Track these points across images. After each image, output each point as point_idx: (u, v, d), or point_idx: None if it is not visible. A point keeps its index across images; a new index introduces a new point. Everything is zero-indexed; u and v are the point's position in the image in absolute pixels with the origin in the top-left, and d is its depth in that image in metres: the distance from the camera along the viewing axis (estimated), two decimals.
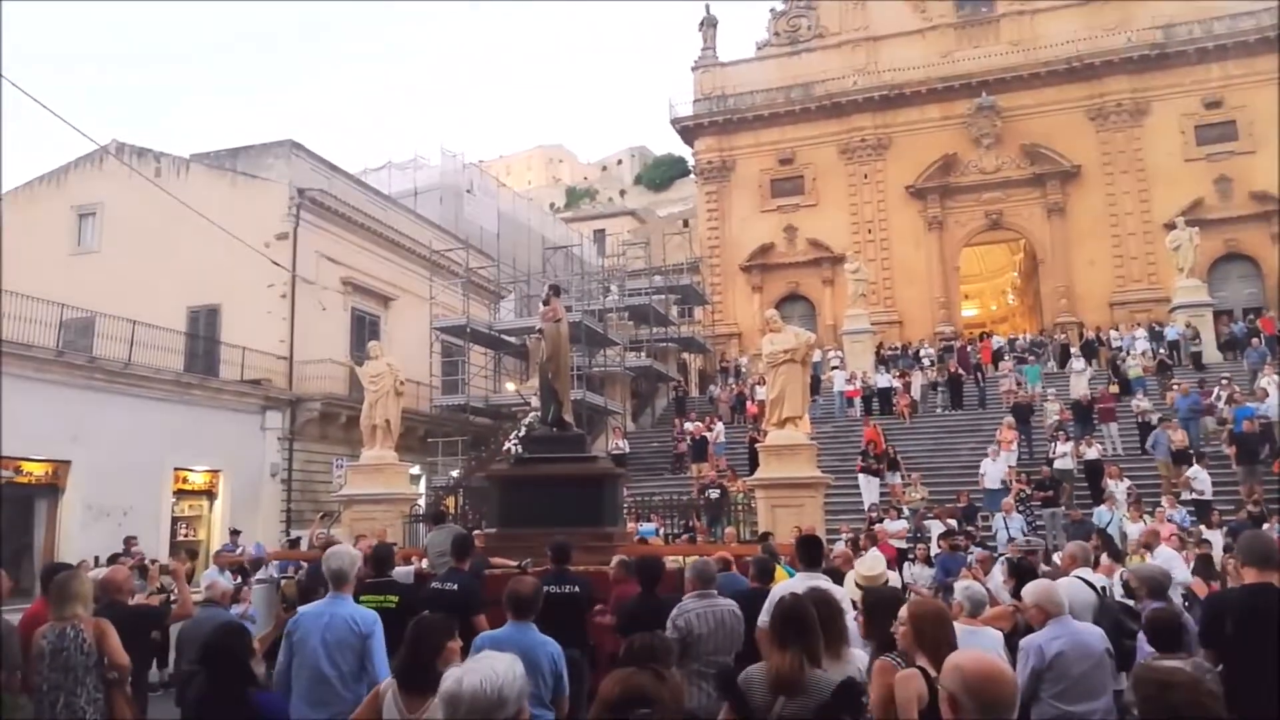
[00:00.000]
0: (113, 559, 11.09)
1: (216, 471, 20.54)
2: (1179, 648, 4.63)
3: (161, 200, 21.41)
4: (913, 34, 37.38)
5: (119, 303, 19.83)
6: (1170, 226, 28.73)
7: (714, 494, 17.28)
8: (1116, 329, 29.36)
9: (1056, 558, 9.51)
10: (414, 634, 3.69)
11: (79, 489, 17.11)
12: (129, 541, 14.16)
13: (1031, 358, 27.35)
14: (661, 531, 15.46)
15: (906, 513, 16.07)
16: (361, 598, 6.40)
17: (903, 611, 3.96)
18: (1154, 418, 19.25)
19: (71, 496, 17.08)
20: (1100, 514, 15.03)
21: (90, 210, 24.93)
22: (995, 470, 17.58)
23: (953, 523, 14.99)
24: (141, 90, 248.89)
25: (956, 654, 2.90)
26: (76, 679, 4.81)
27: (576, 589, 6.68)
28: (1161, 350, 25.27)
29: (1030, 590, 5.08)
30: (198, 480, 20.29)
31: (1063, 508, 16.35)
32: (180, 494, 19.81)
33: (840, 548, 11.39)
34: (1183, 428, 18.35)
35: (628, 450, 23.02)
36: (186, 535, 19.86)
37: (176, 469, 19.54)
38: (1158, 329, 27.06)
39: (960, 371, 24.91)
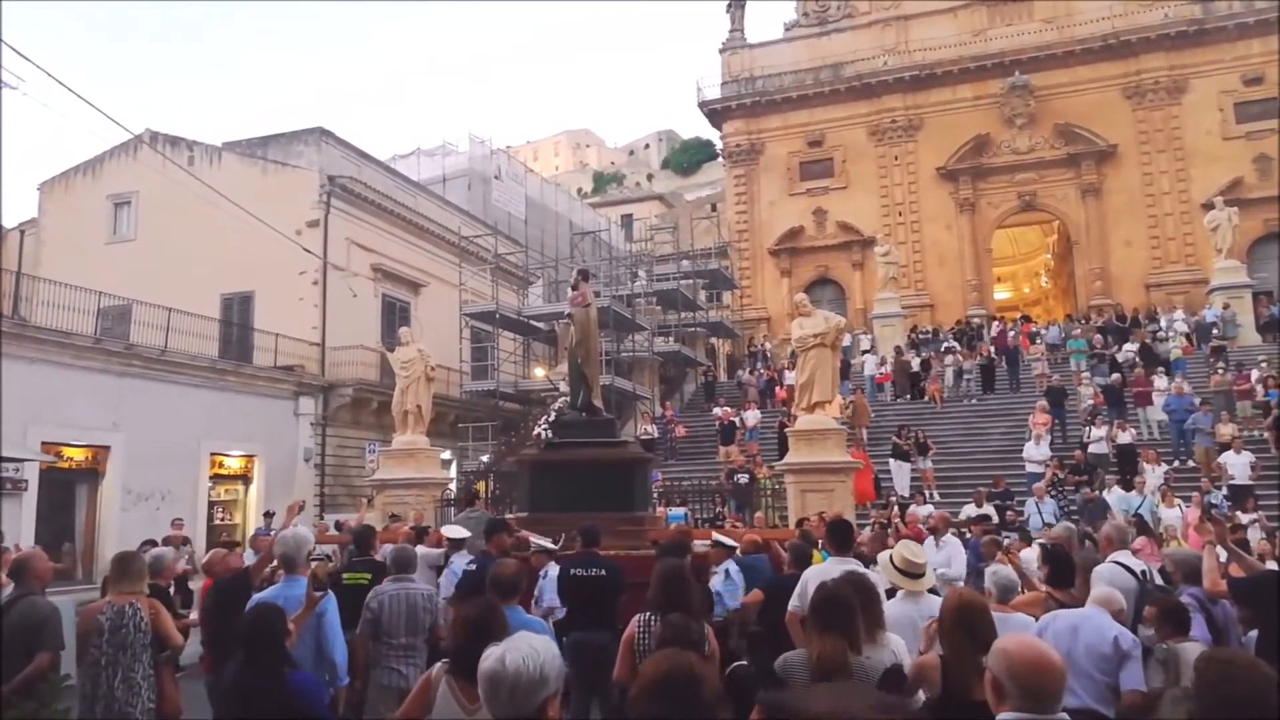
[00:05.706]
0: (149, 542, 11.23)
1: (252, 456, 20.83)
2: (1185, 633, 4.58)
3: (195, 189, 21.66)
4: (944, 12, 36.75)
5: (154, 290, 20.10)
6: (1208, 206, 28.17)
7: (743, 479, 17.28)
8: (1152, 311, 28.82)
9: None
10: (472, 618, 3.39)
11: (118, 474, 17.42)
12: (176, 524, 14.37)
13: (1077, 331, 26.90)
14: (690, 517, 15.47)
15: (936, 497, 15.90)
16: (344, 575, 6.77)
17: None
18: (1194, 401, 18.92)
19: (111, 481, 17.38)
20: (1130, 499, 14.77)
21: (125, 199, 25.27)
22: (1038, 453, 17.41)
23: (988, 508, 14.78)
24: (175, 79, 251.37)
25: (1004, 638, 2.82)
26: (134, 655, 4.99)
27: (604, 572, 6.70)
28: (1215, 331, 24.52)
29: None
30: (233, 465, 20.59)
31: (1098, 493, 16.11)
32: (216, 478, 20.11)
33: (866, 534, 11.28)
34: (1172, 430, 18.20)
35: (656, 435, 23.05)
36: (223, 519, 20.18)
37: (213, 454, 19.84)
38: (1191, 315, 26.44)
39: (993, 355, 24.62)
